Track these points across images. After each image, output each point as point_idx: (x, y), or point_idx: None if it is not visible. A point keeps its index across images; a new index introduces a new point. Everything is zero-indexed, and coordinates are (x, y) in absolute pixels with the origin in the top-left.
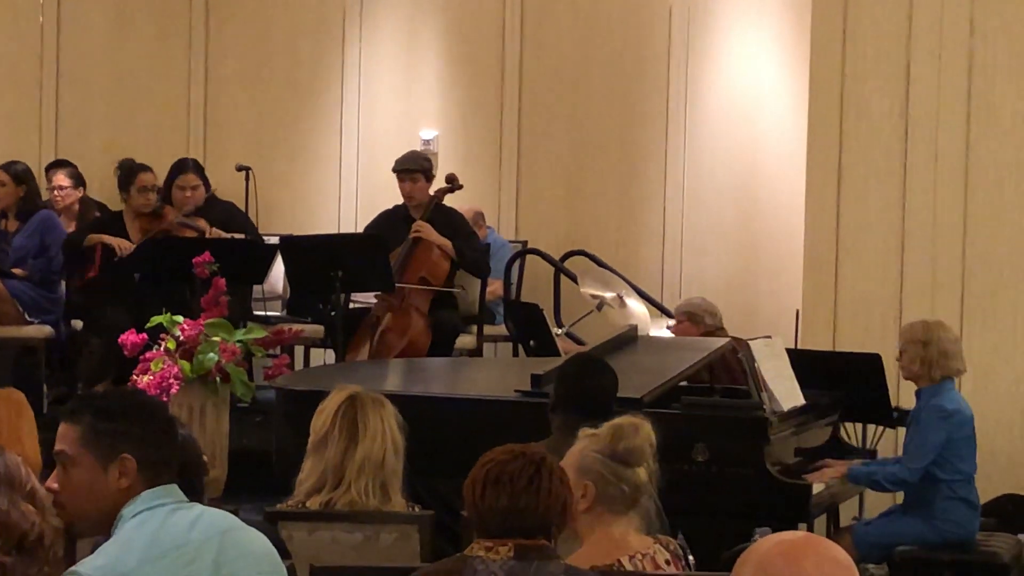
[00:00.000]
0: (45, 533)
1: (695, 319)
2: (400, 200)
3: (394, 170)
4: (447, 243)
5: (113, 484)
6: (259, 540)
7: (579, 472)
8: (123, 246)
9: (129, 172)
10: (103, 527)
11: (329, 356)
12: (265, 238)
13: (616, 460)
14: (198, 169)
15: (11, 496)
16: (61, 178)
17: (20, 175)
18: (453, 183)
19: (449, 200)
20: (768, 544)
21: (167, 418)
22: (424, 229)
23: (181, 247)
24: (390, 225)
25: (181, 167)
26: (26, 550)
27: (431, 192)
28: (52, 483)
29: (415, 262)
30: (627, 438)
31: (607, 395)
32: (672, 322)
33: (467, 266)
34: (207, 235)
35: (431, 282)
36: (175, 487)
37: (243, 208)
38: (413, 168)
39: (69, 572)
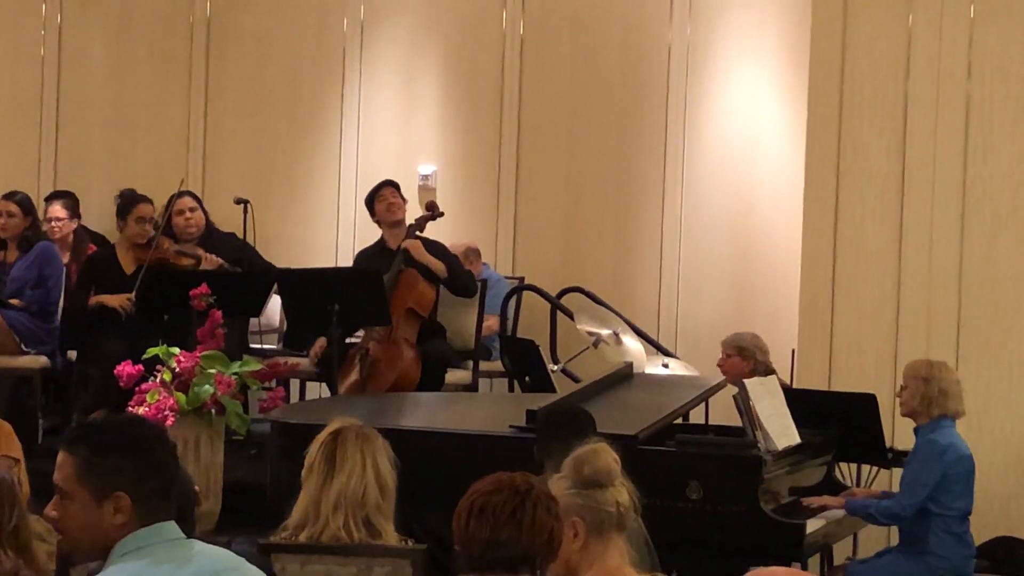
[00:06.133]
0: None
1: (746, 354)
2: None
3: (369, 197)
4: (439, 263)
5: (108, 520)
6: None
7: (564, 515)
8: (124, 305)
9: (129, 201)
10: (101, 556)
11: (324, 390)
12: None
13: (588, 486)
14: (193, 195)
15: None
16: (57, 209)
17: (27, 206)
18: (433, 210)
19: (432, 230)
20: None
21: (166, 449)
22: (415, 247)
23: (178, 279)
24: (371, 261)
25: (177, 194)
26: None
27: (411, 221)
28: (51, 511)
29: (401, 293)
30: (589, 462)
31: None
32: (669, 360)
33: (458, 286)
34: (203, 260)
35: (418, 312)
36: (171, 524)
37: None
38: (390, 183)
39: None
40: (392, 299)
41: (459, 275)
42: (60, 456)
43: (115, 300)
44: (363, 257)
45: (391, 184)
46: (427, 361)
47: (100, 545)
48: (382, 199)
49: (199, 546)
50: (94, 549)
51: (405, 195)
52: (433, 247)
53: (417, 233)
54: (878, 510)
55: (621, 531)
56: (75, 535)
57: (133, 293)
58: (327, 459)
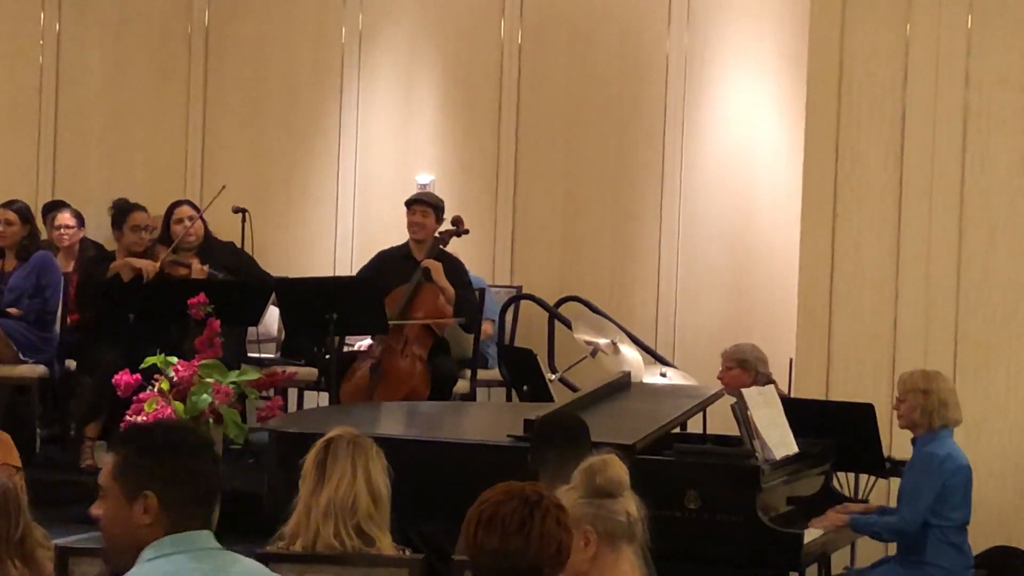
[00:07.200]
0: None
1: (747, 366)
2: (398, 240)
3: (407, 202)
4: (450, 289)
5: (137, 519)
6: None
7: (575, 524)
8: (149, 269)
9: (123, 211)
10: (132, 558)
11: (323, 399)
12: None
13: (600, 495)
14: (192, 204)
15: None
16: (67, 217)
17: (26, 214)
18: (459, 226)
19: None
20: None
21: (205, 458)
22: (435, 267)
23: (176, 288)
24: (390, 265)
25: (176, 203)
26: None
27: (436, 233)
28: (96, 510)
29: (420, 306)
30: (600, 472)
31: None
32: (667, 369)
33: (460, 320)
34: (191, 271)
35: (434, 327)
36: (205, 534)
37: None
38: (427, 201)
39: None
40: (410, 311)
41: (465, 311)
42: (105, 456)
43: (141, 262)
44: (385, 257)
45: (420, 201)
46: (436, 377)
47: (131, 543)
48: (409, 215)
49: (234, 559)
50: (125, 548)
51: (402, 204)
52: (455, 268)
53: (441, 247)
54: (882, 527)
55: (631, 541)
56: (108, 532)
57: (158, 264)
58: (318, 467)
